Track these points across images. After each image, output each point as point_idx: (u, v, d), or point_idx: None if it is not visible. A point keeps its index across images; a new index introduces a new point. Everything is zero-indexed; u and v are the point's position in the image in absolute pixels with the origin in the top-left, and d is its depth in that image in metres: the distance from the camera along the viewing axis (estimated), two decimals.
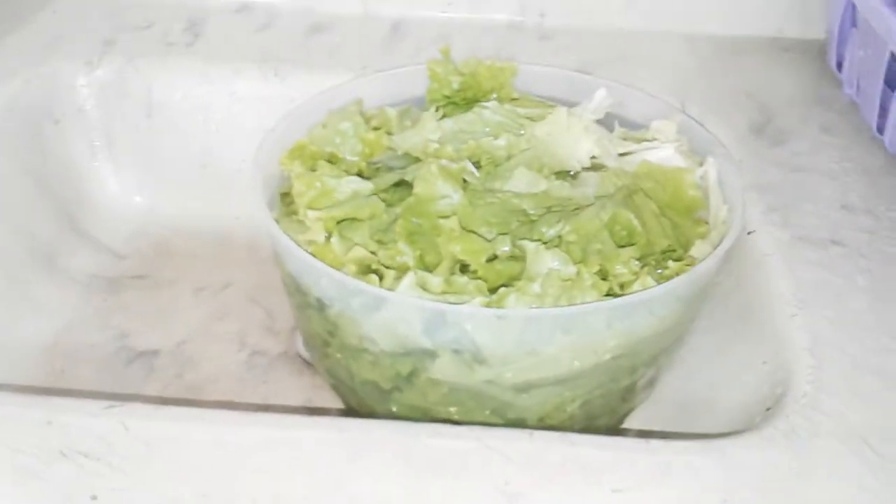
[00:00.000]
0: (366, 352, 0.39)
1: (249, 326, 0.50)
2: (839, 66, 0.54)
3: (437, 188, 0.42)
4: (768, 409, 0.37)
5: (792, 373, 0.37)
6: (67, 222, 0.53)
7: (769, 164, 0.50)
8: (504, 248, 0.39)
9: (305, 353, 0.48)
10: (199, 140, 0.56)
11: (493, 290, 0.37)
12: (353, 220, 0.41)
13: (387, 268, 0.38)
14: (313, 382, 0.47)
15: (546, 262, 0.37)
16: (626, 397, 0.41)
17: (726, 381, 0.42)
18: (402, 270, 0.38)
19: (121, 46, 0.56)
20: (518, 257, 0.39)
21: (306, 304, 0.40)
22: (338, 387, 0.43)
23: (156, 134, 0.56)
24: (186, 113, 0.56)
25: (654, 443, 0.34)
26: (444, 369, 0.37)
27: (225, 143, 0.56)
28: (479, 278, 0.38)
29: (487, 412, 0.38)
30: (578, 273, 0.37)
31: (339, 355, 0.40)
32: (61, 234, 0.53)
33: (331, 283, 0.37)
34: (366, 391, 0.40)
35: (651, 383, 0.41)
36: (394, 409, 0.40)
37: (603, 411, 0.40)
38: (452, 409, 0.38)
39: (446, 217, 0.40)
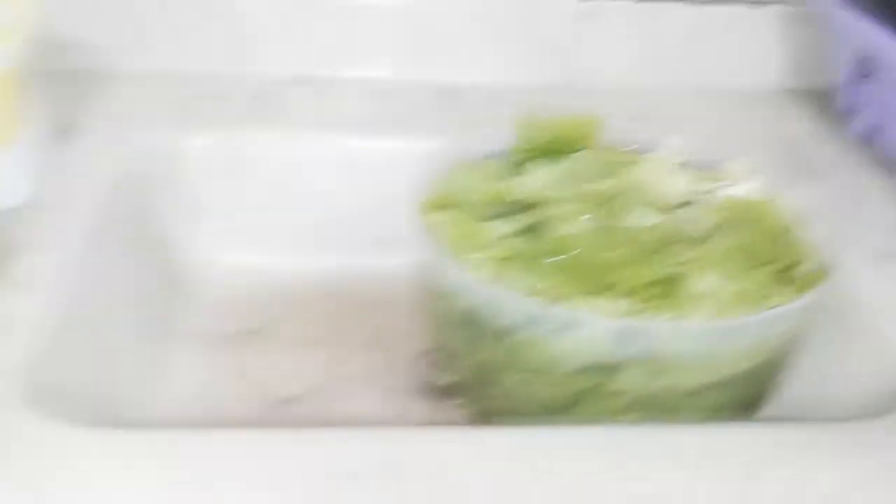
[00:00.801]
0: (547, 373, 0.43)
1: (372, 368, 0.54)
2: (847, 110, 0.63)
3: (575, 226, 0.47)
4: None
5: None
6: (177, 285, 0.55)
7: (812, 197, 0.57)
8: (663, 271, 0.44)
9: (443, 384, 0.51)
10: (286, 200, 0.59)
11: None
12: (507, 259, 0.46)
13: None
14: (456, 412, 0.51)
15: (705, 280, 0.43)
16: (764, 398, 0.46)
17: (835, 376, 0.48)
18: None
19: (200, 115, 0.60)
20: (669, 280, 0.44)
21: (479, 337, 0.44)
22: (500, 411, 0.47)
23: (247, 196, 0.59)
24: (272, 173, 0.59)
25: (834, 426, 0.40)
26: (628, 381, 0.42)
27: (310, 202, 0.59)
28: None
29: (659, 417, 0.43)
30: (738, 288, 0.42)
31: (513, 379, 0.44)
32: (172, 297, 0.55)
33: (521, 310, 0.42)
34: (536, 411, 0.45)
35: (779, 385, 0.47)
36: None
37: (748, 411, 0.46)
38: (628, 417, 0.43)
39: (588, 250, 0.46)
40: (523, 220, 0.49)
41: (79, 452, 0.36)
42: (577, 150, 0.54)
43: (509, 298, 0.42)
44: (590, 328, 0.41)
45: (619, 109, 0.62)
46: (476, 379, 0.47)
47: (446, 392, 0.52)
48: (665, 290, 0.43)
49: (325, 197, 0.59)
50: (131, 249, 0.53)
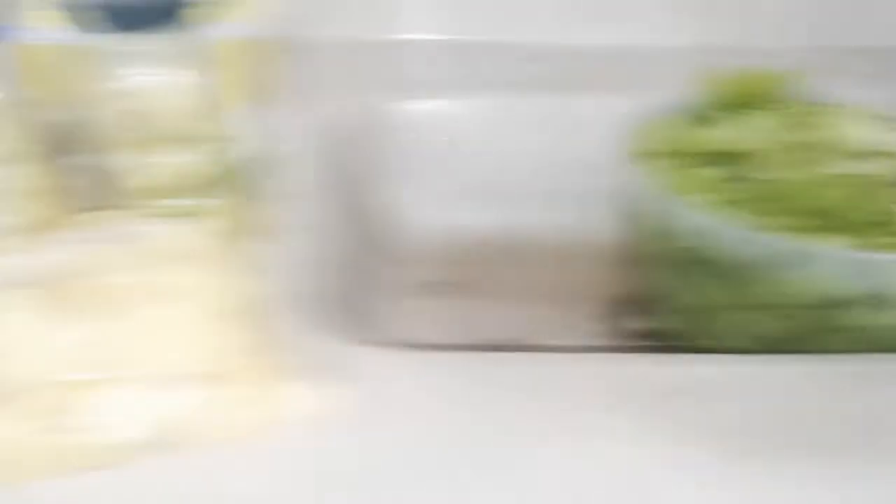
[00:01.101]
0: (775, 310, 0.45)
1: (569, 317, 0.56)
2: None
3: (782, 173, 0.49)
4: None
5: None
6: (381, 241, 0.59)
7: None
8: (885, 212, 0.46)
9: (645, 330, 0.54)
10: (482, 159, 0.62)
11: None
12: (730, 201, 0.48)
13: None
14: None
15: None
16: None
17: None
18: None
19: (396, 81, 0.63)
20: (892, 220, 0.46)
21: (705, 277, 0.47)
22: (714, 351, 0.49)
23: (441, 156, 0.62)
24: (468, 134, 0.62)
25: None
26: (856, 316, 0.44)
27: (503, 162, 0.62)
28: None
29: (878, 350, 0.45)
30: None
31: (737, 318, 0.47)
32: (379, 252, 0.58)
33: (757, 246, 0.44)
34: (754, 350, 0.47)
35: None
36: None
37: None
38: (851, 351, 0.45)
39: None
40: (730, 169, 0.51)
41: (388, 371, 0.40)
42: (764, 104, 0.56)
43: (745, 235, 0.44)
44: (825, 262, 0.43)
45: (795, 66, 0.64)
46: (692, 320, 0.50)
47: (648, 337, 0.54)
48: (889, 229, 0.45)
49: (518, 157, 0.62)
50: (342, 206, 0.57)
